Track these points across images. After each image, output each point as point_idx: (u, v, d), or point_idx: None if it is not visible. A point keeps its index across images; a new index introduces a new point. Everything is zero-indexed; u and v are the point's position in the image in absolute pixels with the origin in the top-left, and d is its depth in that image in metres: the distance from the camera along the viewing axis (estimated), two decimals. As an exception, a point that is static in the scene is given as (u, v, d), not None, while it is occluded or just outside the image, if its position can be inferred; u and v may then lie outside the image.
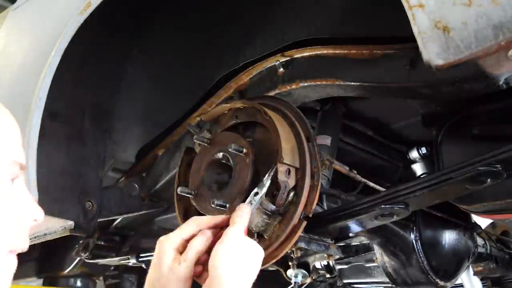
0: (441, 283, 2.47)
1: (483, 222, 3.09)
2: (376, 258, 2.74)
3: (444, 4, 1.07)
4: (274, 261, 1.63)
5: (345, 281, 3.83)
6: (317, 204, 1.63)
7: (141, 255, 2.71)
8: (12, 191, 1.13)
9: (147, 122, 2.43)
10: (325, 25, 1.87)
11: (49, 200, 1.98)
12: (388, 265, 2.57)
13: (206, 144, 1.85)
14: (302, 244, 1.72)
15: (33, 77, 1.96)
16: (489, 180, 1.39)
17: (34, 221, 1.16)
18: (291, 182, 1.62)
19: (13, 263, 1.11)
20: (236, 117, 1.82)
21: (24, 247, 1.13)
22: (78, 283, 3.42)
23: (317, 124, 2.23)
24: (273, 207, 1.58)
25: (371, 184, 2.09)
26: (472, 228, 2.66)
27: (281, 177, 1.58)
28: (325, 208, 1.88)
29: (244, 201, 1.65)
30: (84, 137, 2.19)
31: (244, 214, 1.46)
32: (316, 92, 1.92)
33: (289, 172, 1.61)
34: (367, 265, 3.54)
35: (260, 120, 1.73)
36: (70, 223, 2.08)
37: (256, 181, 1.69)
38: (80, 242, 2.73)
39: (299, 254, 1.79)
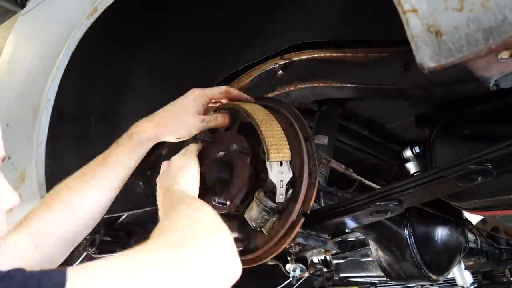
0: (434, 277, 2.46)
1: (474, 218, 3.12)
2: (371, 253, 2.76)
3: (436, 9, 1.07)
4: (273, 255, 1.66)
5: (341, 275, 3.83)
6: (314, 201, 1.63)
7: (145, 250, 2.71)
8: None
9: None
10: (323, 29, 1.88)
11: (57, 198, 1.99)
12: (382, 259, 2.58)
13: (208, 143, 1.89)
14: (300, 240, 1.74)
15: (42, 79, 1.98)
16: (480, 178, 1.40)
17: (11, 205, 1.20)
18: (287, 176, 1.63)
19: None
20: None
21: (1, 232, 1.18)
22: (85, 277, 3.42)
23: (315, 124, 2.24)
24: (272, 204, 1.59)
25: (367, 182, 2.11)
26: (463, 224, 2.64)
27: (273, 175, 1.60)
28: (322, 205, 1.90)
29: (244, 199, 1.71)
30: (91, 136, 2.20)
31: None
32: (313, 93, 1.94)
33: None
34: (363, 259, 3.56)
35: (241, 119, 1.81)
36: (78, 220, 2.09)
37: (256, 180, 1.74)
38: (87, 237, 2.74)
39: (297, 249, 1.82)
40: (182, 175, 1.66)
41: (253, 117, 1.68)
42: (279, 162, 1.61)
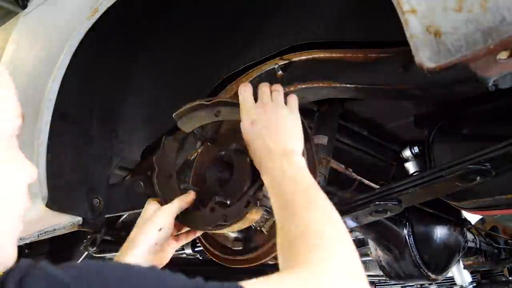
0: (433, 276, 2.47)
1: (472, 218, 3.13)
2: (371, 253, 2.77)
3: (435, 10, 1.07)
4: (273, 255, 1.66)
5: (341, 274, 3.85)
6: None
7: (145, 249, 2.73)
8: (13, 148, 1.12)
9: (152, 122, 2.44)
10: (322, 30, 1.88)
11: (59, 197, 2.00)
12: (382, 259, 2.59)
13: (208, 143, 1.89)
14: (300, 239, 1.76)
15: (43, 80, 1.98)
16: (478, 178, 1.42)
17: (31, 178, 1.15)
18: None
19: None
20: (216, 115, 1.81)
21: (27, 204, 1.12)
22: (86, 276, 3.44)
23: (315, 125, 2.23)
24: None
25: (366, 181, 2.10)
26: (462, 224, 2.66)
27: None
28: None
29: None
30: (92, 136, 2.19)
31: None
32: (313, 94, 1.93)
33: None
34: (362, 259, 3.53)
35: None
36: (79, 219, 2.10)
37: (256, 179, 1.75)
38: (88, 237, 2.75)
39: (297, 249, 1.82)
40: (293, 136, 1.49)
41: None
42: None
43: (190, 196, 1.70)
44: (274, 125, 1.49)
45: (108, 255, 2.85)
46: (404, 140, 2.60)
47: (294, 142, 1.47)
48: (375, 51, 1.74)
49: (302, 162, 1.42)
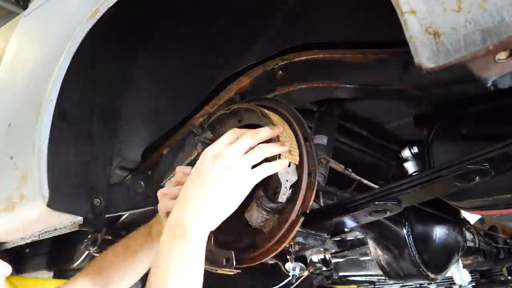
0: (432, 275, 2.46)
1: (472, 217, 3.13)
2: (370, 252, 2.77)
3: (434, 10, 1.08)
4: (273, 255, 1.66)
5: (340, 274, 3.84)
6: (314, 201, 1.64)
7: (146, 249, 2.73)
8: None
9: (152, 122, 2.45)
10: (322, 31, 1.89)
11: (60, 197, 2.00)
12: (381, 258, 2.58)
13: (207, 144, 1.89)
14: (299, 239, 1.75)
15: (44, 80, 1.99)
16: (477, 177, 1.41)
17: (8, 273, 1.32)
18: (292, 178, 1.63)
19: None
20: (240, 121, 1.81)
21: None
22: (87, 276, 3.46)
23: (314, 124, 2.25)
24: (272, 204, 1.60)
25: (365, 181, 2.09)
26: (461, 224, 2.66)
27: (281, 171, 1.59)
28: (322, 204, 1.90)
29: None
30: (92, 136, 2.21)
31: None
32: (313, 94, 1.95)
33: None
34: (362, 258, 3.57)
35: (263, 123, 1.71)
36: (79, 219, 2.11)
37: None
38: (89, 236, 2.74)
39: (297, 249, 1.81)
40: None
41: (269, 117, 1.68)
42: (288, 163, 1.61)
43: None
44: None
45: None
46: (403, 140, 2.60)
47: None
48: (374, 52, 1.75)
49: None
